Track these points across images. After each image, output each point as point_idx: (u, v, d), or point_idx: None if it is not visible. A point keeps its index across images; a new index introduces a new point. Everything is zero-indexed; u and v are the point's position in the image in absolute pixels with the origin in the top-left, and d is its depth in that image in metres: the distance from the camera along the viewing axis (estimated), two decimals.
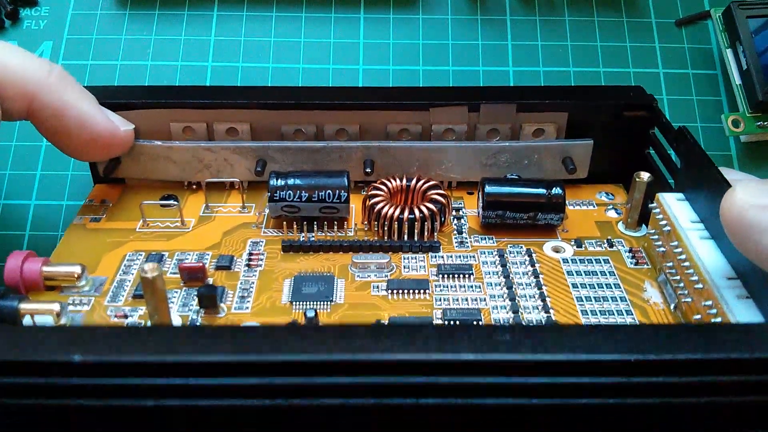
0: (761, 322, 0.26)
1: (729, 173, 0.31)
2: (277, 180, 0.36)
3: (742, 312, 0.27)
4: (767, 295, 0.27)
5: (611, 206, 0.40)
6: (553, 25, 0.48)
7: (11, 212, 0.43)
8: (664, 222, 0.34)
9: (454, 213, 0.39)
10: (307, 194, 0.36)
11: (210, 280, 0.33)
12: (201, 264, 0.33)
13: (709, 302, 0.29)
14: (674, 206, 0.34)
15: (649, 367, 0.20)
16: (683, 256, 0.31)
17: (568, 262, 0.35)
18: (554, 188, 0.37)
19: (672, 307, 0.32)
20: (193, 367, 0.19)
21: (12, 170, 0.45)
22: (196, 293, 0.31)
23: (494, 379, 0.20)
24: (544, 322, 0.31)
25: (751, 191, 0.26)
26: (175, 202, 0.38)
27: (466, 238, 0.37)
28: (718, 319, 0.28)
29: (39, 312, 0.29)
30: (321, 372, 0.20)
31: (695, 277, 0.30)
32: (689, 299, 0.31)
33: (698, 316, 0.30)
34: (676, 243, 0.32)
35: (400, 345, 0.20)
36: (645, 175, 0.36)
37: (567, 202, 0.37)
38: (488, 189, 0.37)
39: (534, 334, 0.21)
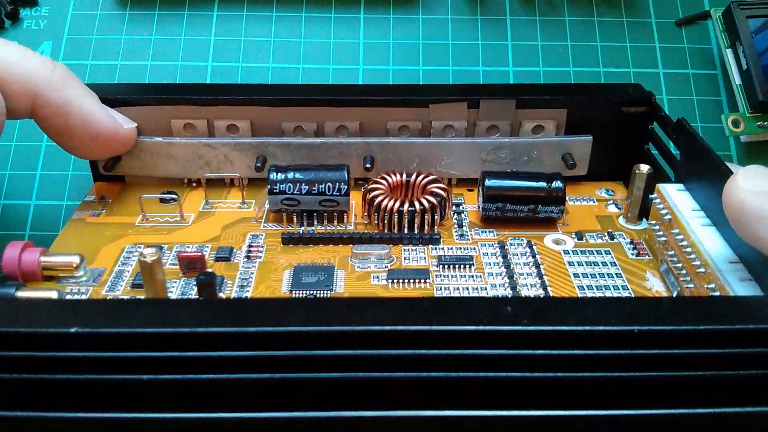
0: (762, 295, 0.26)
1: (733, 167, 0.31)
2: (276, 173, 0.36)
3: (746, 294, 0.27)
4: None
5: (611, 202, 0.40)
6: (553, 25, 0.48)
7: (11, 212, 0.43)
8: (665, 211, 0.34)
9: (454, 208, 0.39)
10: (306, 187, 0.36)
11: (209, 271, 0.33)
12: (200, 253, 0.32)
13: (712, 285, 0.28)
14: (675, 196, 0.34)
15: (652, 338, 0.20)
16: (685, 242, 0.31)
17: (569, 254, 0.35)
18: (554, 181, 0.37)
19: (674, 294, 0.32)
20: (191, 338, 0.19)
21: (12, 170, 0.44)
22: (195, 282, 0.31)
23: (495, 352, 0.20)
24: None
25: (752, 178, 0.26)
26: (175, 197, 0.38)
27: (466, 231, 0.37)
28: None
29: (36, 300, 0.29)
30: (319, 344, 0.19)
31: (697, 262, 0.30)
32: (692, 285, 0.30)
33: None
34: (677, 230, 0.32)
35: (399, 316, 0.20)
36: (644, 168, 0.36)
37: (567, 198, 0.37)
38: (488, 182, 0.37)
39: (535, 306, 0.20)
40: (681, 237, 0.31)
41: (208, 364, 0.19)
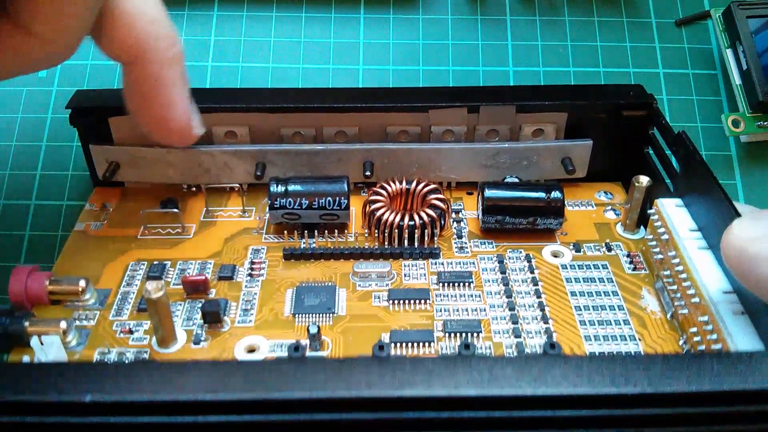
0: (757, 350, 0.26)
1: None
2: (277, 186, 0.36)
3: (738, 329, 0.28)
4: (761, 310, 0.27)
5: (610, 207, 0.40)
6: (553, 25, 0.48)
7: (11, 212, 0.43)
8: (662, 230, 0.34)
9: (453, 216, 0.39)
10: (307, 201, 0.36)
11: (212, 292, 0.34)
12: (204, 277, 0.33)
13: (705, 317, 0.29)
14: (672, 213, 0.34)
15: (648, 400, 0.21)
16: (680, 268, 0.31)
17: (566, 268, 0.35)
18: (553, 192, 0.37)
19: (669, 315, 0.33)
20: (201, 405, 0.19)
21: (12, 170, 0.44)
22: (200, 308, 0.32)
23: (495, 414, 0.20)
24: (543, 333, 0.32)
25: (748, 224, 0.26)
26: (176, 209, 0.38)
27: (465, 243, 0.37)
28: (714, 336, 0.28)
29: (46, 332, 0.30)
30: (322, 408, 0.20)
31: (692, 291, 0.30)
32: (685, 311, 0.31)
33: (694, 329, 0.30)
34: (673, 253, 0.32)
35: (402, 381, 0.20)
36: (644, 180, 0.37)
37: (566, 202, 0.37)
38: (488, 193, 0.37)
39: (533, 368, 0.21)
40: (677, 261, 0.32)
41: (220, 428, 0.20)
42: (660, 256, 0.34)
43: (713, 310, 0.29)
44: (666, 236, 0.33)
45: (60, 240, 0.42)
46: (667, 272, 0.33)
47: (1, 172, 0.44)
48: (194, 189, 0.41)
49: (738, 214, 0.29)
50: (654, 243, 0.35)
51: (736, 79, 0.45)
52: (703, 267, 0.31)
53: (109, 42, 0.31)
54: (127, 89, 0.34)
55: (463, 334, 0.31)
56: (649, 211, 0.35)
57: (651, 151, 0.40)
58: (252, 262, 0.36)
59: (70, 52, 0.29)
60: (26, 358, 0.28)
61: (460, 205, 0.40)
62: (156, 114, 0.34)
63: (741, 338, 0.27)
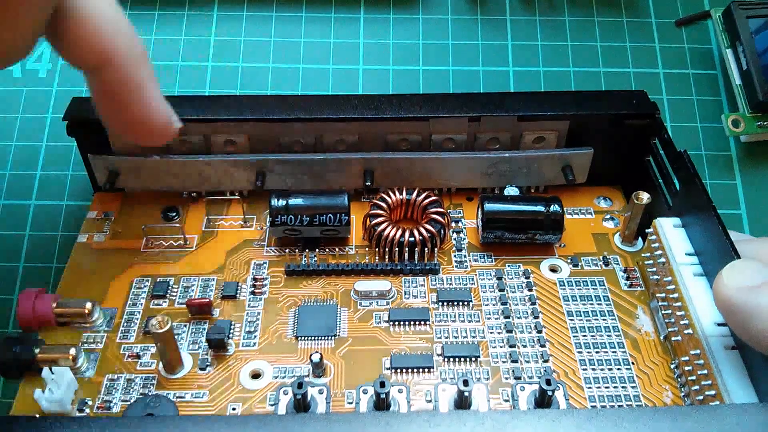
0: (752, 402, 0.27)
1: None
2: (278, 202, 0.37)
3: (727, 366, 0.29)
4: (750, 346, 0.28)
5: (609, 215, 0.40)
6: (553, 25, 0.47)
7: (11, 212, 0.44)
8: (659, 252, 0.34)
9: (453, 225, 0.40)
10: (308, 218, 0.36)
11: (216, 311, 0.34)
12: (207, 300, 0.33)
13: (697, 351, 0.30)
14: (670, 235, 0.34)
15: None
16: (675, 295, 0.32)
17: (564, 285, 0.36)
18: (552, 205, 0.37)
19: (662, 337, 0.33)
20: None
21: (12, 170, 0.44)
22: (205, 336, 0.33)
23: None
24: (539, 357, 0.33)
25: (737, 274, 0.27)
26: (177, 218, 0.39)
27: (465, 257, 0.38)
28: (705, 371, 0.29)
29: (56, 359, 0.30)
30: None
31: (685, 321, 0.31)
32: (678, 338, 0.32)
33: (686, 358, 0.31)
34: (669, 279, 0.33)
35: None
36: (645, 196, 0.37)
37: (565, 209, 0.37)
38: (487, 207, 0.37)
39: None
40: (672, 287, 0.32)
41: None
42: (656, 277, 0.34)
43: (705, 344, 0.29)
44: (663, 260, 0.34)
45: (60, 240, 0.43)
46: (662, 295, 0.34)
47: (1, 172, 0.45)
48: (194, 195, 0.41)
49: (734, 250, 0.30)
50: (650, 262, 0.35)
51: (736, 79, 0.45)
52: (697, 297, 0.31)
53: (73, 48, 0.29)
54: (98, 97, 0.32)
55: (462, 360, 0.32)
56: (647, 230, 0.36)
57: (652, 160, 0.40)
58: (254, 278, 0.36)
59: (24, 53, 0.28)
60: (38, 392, 0.29)
61: (459, 212, 0.40)
62: (134, 117, 0.32)
63: (730, 375, 0.28)
